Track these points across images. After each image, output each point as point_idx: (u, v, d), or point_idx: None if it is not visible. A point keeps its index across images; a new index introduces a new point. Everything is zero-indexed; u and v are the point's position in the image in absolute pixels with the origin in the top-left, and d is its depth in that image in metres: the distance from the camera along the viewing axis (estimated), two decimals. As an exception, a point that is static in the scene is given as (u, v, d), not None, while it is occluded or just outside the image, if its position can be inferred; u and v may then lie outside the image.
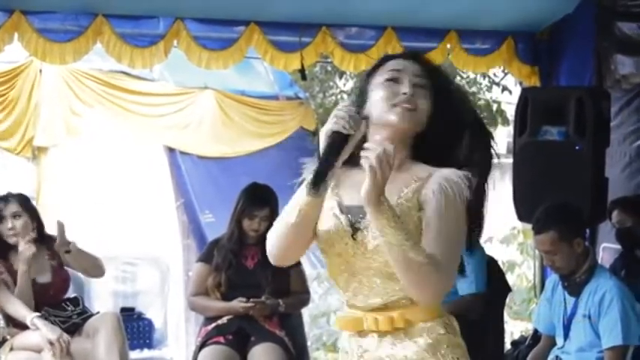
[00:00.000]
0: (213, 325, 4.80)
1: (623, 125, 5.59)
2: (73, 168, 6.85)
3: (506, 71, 7.45)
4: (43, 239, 4.78)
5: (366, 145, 2.12)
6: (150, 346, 6.24)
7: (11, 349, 4.56)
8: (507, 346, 5.35)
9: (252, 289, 4.77)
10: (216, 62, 5.62)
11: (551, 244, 4.11)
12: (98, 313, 4.88)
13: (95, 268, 4.90)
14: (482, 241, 5.37)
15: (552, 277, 4.44)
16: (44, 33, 5.27)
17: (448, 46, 5.94)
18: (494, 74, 9.55)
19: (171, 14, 5.49)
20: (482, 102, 10.15)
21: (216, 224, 6.35)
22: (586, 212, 4.74)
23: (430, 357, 2.20)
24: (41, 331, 4.46)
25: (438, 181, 2.17)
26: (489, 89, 10.16)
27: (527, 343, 4.90)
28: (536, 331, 4.73)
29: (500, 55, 6.07)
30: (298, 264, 4.81)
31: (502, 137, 11.21)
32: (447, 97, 2.29)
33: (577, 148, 5.06)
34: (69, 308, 4.77)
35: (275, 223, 2.27)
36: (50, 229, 4.80)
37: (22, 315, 4.55)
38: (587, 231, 4.99)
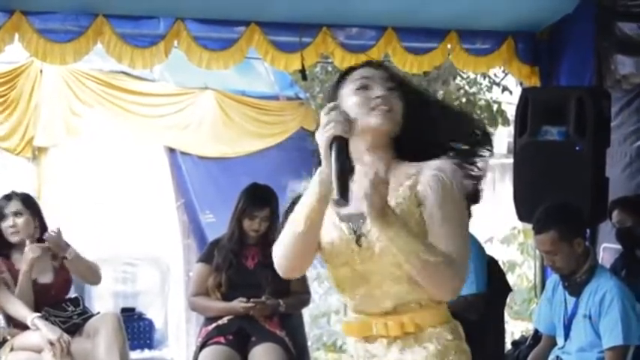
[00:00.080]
0: (214, 325, 4.80)
1: (623, 125, 5.59)
2: (73, 168, 6.85)
3: (506, 71, 7.44)
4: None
5: (356, 170, 2.16)
6: (150, 347, 6.24)
7: (11, 349, 4.56)
8: (508, 346, 5.35)
9: (252, 289, 4.78)
10: (217, 62, 5.62)
11: (551, 244, 4.11)
12: (98, 313, 4.88)
13: (92, 275, 4.91)
14: (482, 241, 5.38)
15: (553, 277, 4.44)
16: (45, 33, 5.27)
17: (448, 46, 5.94)
18: (495, 74, 9.55)
19: (171, 14, 5.49)
20: (482, 102, 10.16)
21: (217, 224, 6.35)
22: (586, 212, 4.74)
23: None
24: (41, 332, 4.47)
25: (431, 174, 2.20)
26: (490, 89, 10.16)
27: (527, 343, 4.90)
28: (536, 331, 4.73)
29: (501, 55, 6.07)
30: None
31: (502, 137, 11.22)
32: (413, 96, 2.32)
33: (577, 148, 5.06)
34: (69, 308, 4.77)
35: (280, 237, 2.27)
36: (51, 229, 4.79)
37: (22, 315, 4.55)
38: (588, 231, 4.99)
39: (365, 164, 2.24)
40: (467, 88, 10.30)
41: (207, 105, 7.09)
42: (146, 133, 6.99)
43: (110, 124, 6.86)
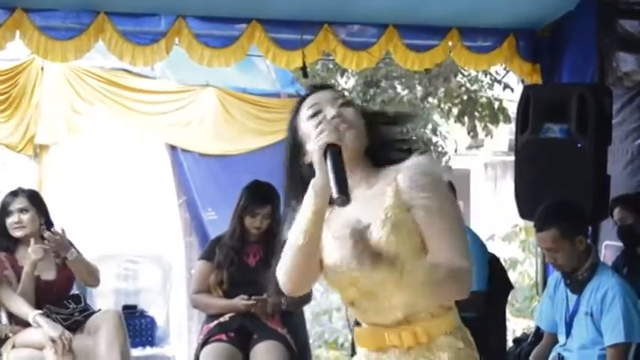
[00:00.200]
0: (216, 322, 4.80)
1: (625, 123, 5.59)
2: (74, 166, 6.84)
3: (507, 69, 7.44)
4: None
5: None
6: (152, 344, 6.25)
7: (13, 346, 4.57)
8: (509, 343, 5.35)
9: (254, 286, 4.76)
10: (218, 60, 5.62)
11: (552, 241, 4.11)
12: (100, 310, 4.89)
13: (91, 278, 4.91)
14: (484, 238, 5.38)
15: (554, 275, 4.44)
16: (46, 31, 5.28)
17: (450, 43, 5.94)
18: (496, 72, 9.55)
19: (172, 12, 5.49)
20: (483, 100, 10.16)
21: (219, 222, 6.34)
22: (588, 210, 4.73)
23: None
24: (43, 329, 4.47)
25: (410, 175, 2.20)
26: (491, 87, 10.17)
27: (529, 340, 4.90)
28: (538, 329, 4.73)
29: (502, 53, 6.06)
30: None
31: (504, 135, 11.22)
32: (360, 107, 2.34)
33: (579, 145, 5.05)
34: (71, 306, 4.77)
35: (282, 254, 2.28)
36: (56, 229, 4.79)
37: (24, 312, 4.56)
38: (589, 228, 4.99)
39: None
40: (468, 85, 10.31)
41: (209, 102, 7.09)
42: (147, 130, 6.99)
43: (111, 122, 6.85)
